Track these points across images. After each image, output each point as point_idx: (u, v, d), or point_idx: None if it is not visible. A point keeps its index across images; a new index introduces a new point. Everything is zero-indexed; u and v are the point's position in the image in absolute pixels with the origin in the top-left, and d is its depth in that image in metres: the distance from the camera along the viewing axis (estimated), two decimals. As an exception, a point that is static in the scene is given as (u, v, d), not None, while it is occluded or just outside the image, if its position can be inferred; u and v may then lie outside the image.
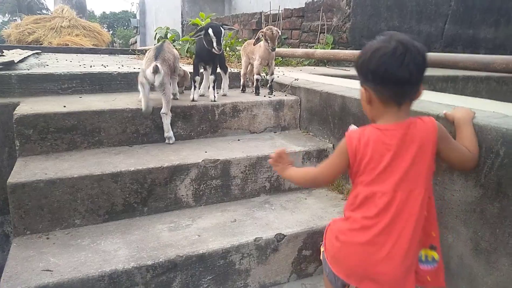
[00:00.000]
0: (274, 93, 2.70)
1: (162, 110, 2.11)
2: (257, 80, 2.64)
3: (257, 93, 2.64)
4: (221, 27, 2.20)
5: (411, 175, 1.17)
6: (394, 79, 1.13)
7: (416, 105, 1.71)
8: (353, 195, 1.25)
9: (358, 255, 1.21)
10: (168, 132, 2.17)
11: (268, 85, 2.70)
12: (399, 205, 1.17)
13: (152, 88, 2.08)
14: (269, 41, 2.43)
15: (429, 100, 1.84)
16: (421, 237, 1.24)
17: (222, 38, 2.19)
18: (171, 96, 2.20)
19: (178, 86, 2.66)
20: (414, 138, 1.18)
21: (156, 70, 1.98)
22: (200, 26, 2.44)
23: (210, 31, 2.15)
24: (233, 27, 2.51)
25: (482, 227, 1.39)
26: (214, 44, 2.16)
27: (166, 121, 2.14)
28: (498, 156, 1.33)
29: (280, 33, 2.52)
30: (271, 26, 2.50)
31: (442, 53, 4.20)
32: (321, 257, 1.45)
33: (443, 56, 2.60)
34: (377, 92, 1.19)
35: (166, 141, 2.19)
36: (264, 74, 3.07)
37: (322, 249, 1.45)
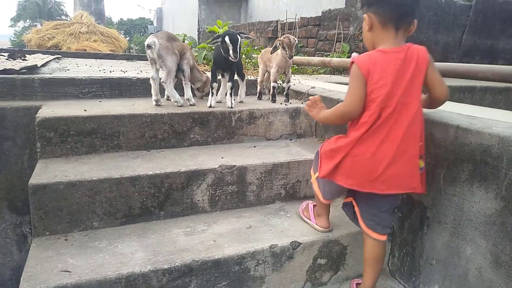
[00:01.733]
0: (290, 100, 2.71)
1: (162, 79, 2.33)
2: (273, 87, 2.65)
3: (273, 100, 2.66)
4: (238, 35, 2.21)
5: (409, 90, 1.40)
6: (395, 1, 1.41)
7: (436, 115, 1.71)
8: (368, 114, 1.42)
9: (369, 164, 1.42)
10: (174, 97, 2.38)
11: (285, 93, 2.71)
12: (398, 116, 1.40)
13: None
14: (286, 49, 2.44)
15: (450, 111, 1.82)
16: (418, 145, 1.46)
17: (238, 46, 2.21)
18: (173, 69, 2.35)
19: (199, 91, 2.70)
20: (412, 58, 1.41)
21: (151, 44, 2.22)
22: (217, 34, 2.46)
23: (227, 39, 2.17)
24: (249, 36, 2.53)
25: (503, 240, 1.37)
26: (231, 52, 2.18)
27: (168, 88, 2.37)
28: (520, 168, 1.31)
29: (297, 41, 2.53)
30: (288, 35, 2.51)
31: (459, 63, 4.17)
32: (313, 184, 1.73)
33: (462, 67, 2.58)
34: (379, 16, 1.44)
35: (177, 104, 2.38)
36: (281, 82, 3.09)
37: (315, 174, 1.69)
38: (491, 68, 2.29)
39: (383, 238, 1.58)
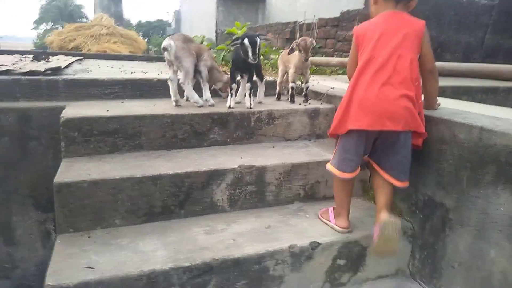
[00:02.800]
0: (309, 101, 2.70)
1: (180, 80, 2.37)
2: (292, 88, 2.65)
3: (292, 101, 2.66)
4: (257, 37, 2.21)
5: (402, 46, 1.63)
6: None
7: (459, 116, 1.69)
8: (359, 66, 1.69)
9: (376, 105, 1.59)
10: (194, 98, 2.41)
11: (303, 93, 2.71)
12: (393, 64, 1.61)
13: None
14: (302, 52, 2.44)
15: (473, 112, 1.80)
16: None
17: (258, 48, 2.21)
18: (190, 70, 2.37)
19: (222, 91, 2.71)
20: (407, 24, 1.67)
21: (166, 46, 2.25)
22: (236, 35, 2.47)
23: (246, 41, 2.17)
24: (268, 37, 2.53)
25: (529, 243, 1.34)
26: (250, 54, 2.18)
27: (187, 89, 2.40)
28: (547, 170, 1.28)
29: (314, 44, 2.52)
30: (305, 37, 2.50)
31: (482, 63, 4.09)
32: (329, 168, 1.81)
33: (485, 67, 2.53)
34: None
35: (196, 105, 2.40)
36: (299, 82, 3.09)
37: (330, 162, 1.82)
38: (516, 68, 2.25)
39: (406, 184, 1.72)
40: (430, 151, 1.76)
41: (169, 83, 2.41)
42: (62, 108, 2.23)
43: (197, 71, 2.49)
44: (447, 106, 1.98)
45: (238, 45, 2.25)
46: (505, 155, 1.42)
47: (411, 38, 1.65)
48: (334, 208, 1.89)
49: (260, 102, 2.63)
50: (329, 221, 1.85)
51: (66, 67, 3.07)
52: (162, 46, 2.29)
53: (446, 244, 1.69)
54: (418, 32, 1.66)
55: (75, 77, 2.56)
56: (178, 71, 2.38)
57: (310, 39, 2.49)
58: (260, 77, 2.66)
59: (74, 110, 2.14)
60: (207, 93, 2.52)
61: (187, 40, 2.42)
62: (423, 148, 1.78)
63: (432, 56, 1.73)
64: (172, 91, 2.42)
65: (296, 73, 2.63)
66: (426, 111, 1.81)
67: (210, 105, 2.48)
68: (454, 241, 1.65)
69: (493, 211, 1.47)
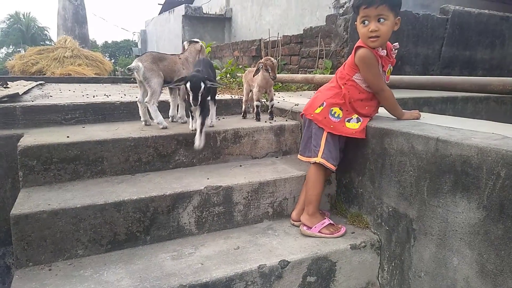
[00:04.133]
0: (274, 118, 2.73)
1: (146, 100, 2.36)
2: (257, 106, 2.68)
3: (257, 119, 2.67)
4: (201, 82, 2.02)
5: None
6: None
7: (417, 128, 1.74)
8: None
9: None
10: (157, 118, 2.38)
11: (269, 111, 2.74)
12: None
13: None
14: (270, 71, 2.47)
15: (430, 123, 1.86)
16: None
17: (201, 93, 2.02)
18: (157, 90, 2.38)
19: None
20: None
21: (135, 68, 2.28)
22: (182, 77, 2.19)
23: (188, 85, 2.01)
24: (217, 83, 2.34)
25: (487, 249, 1.38)
26: (190, 99, 2.03)
27: (151, 109, 2.37)
28: (499, 178, 1.34)
29: (278, 61, 2.56)
30: (269, 57, 2.56)
31: (440, 76, 4.26)
32: (324, 163, 1.93)
33: (441, 79, 2.63)
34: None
35: (160, 126, 2.37)
36: (265, 100, 3.11)
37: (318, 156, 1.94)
38: (469, 80, 2.35)
39: (335, 168, 1.95)
40: (392, 164, 1.80)
41: (139, 104, 2.45)
42: (20, 136, 2.16)
43: (173, 88, 2.55)
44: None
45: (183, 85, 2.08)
46: (460, 165, 1.47)
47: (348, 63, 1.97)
48: (329, 224, 1.95)
49: (212, 126, 2.49)
50: (338, 232, 1.94)
51: (25, 93, 2.98)
52: (130, 67, 2.30)
53: (412, 255, 1.72)
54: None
55: (34, 103, 2.49)
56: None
57: (273, 58, 2.54)
58: (214, 101, 2.58)
59: (32, 137, 2.07)
60: (181, 111, 2.61)
61: (156, 59, 2.42)
62: (385, 161, 1.83)
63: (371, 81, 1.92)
64: (141, 112, 2.45)
65: (260, 92, 2.65)
66: (386, 124, 1.87)
67: (183, 122, 2.57)
68: (419, 251, 1.68)
69: (453, 220, 1.51)
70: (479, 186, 1.41)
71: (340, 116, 1.94)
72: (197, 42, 2.76)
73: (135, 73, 2.31)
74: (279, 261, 1.69)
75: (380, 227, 1.91)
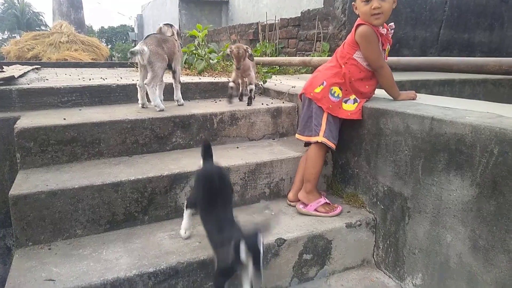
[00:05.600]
0: (272, 100, 2.73)
1: (146, 81, 2.31)
2: (230, 87, 2.62)
3: (229, 101, 2.60)
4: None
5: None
6: None
7: (412, 108, 1.75)
8: None
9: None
10: (155, 101, 2.34)
11: (248, 97, 2.63)
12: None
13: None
14: (234, 60, 2.43)
15: (426, 103, 1.87)
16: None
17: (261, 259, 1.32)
18: (160, 74, 2.36)
19: None
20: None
21: (140, 51, 2.21)
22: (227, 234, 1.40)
23: (243, 248, 1.26)
24: None
25: (480, 225, 1.41)
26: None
27: (150, 91, 2.32)
28: (493, 155, 1.35)
29: (249, 52, 2.52)
30: (239, 45, 2.48)
31: (435, 57, 4.24)
32: (325, 143, 1.96)
33: (437, 60, 2.63)
34: None
35: (157, 109, 2.34)
36: (262, 83, 3.12)
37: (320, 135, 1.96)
38: (465, 60, 2.34)
39: (335, 147, 1.98)
40: (387, 143, 1.82)
41: (138, 88, 2.43)
42: (17, 118, 2.16)
43: (171, 71, 2.54)
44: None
45: None
46: (455, 143, 1.48)
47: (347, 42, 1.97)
48: (325, 203, 1.98)
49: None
50: (333, 211, 1.96)
51: (21, 76, 2.97)
52: (133, 50, 2.23)
53: (406, 232, 1.75)
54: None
55: (30, 86, 2.48)
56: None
57: (246, 46, 2.47)
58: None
59: (29, 120, 2.07)
60: (178, 94, 2.59)
61: (161, 42, 2.38)
62: (381, 141, 1.84)
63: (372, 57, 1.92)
64: (140, 95, 2.44)
65: (236, 75, 2.63)
66: (382, 105, 1.87)
67: (179, 105, 2.56)
68: (413, 228, 1.71)
69: (447, 197, 1.53)
70: (473, 164, 1.42)
71: (340, 96, 1.94)
72: (173, 25, 2.72)
73: (138, 56, 2.25)
74: (275, 239, 1.71)
75: (376, 206, 1.93)
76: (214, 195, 1.49)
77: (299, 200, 2.02)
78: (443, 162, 1.54)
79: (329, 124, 1.95)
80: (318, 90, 1.95)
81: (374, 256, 1.96)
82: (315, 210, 1.94)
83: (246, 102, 2.62)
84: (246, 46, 2.51)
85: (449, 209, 1.52)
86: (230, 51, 2.47)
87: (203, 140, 1.71)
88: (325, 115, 1.95)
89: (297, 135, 2.11)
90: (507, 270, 1.33)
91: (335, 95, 1.94)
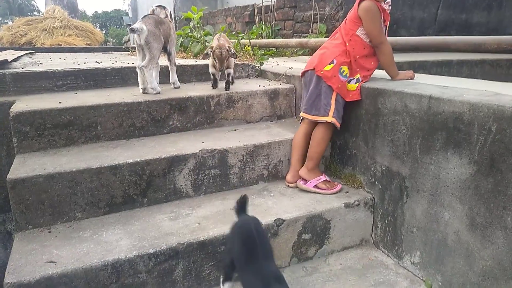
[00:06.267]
0: (269, 82, 2.71)
1: (143, 64, 2.29)
2: (212, 73, 2.50)
3: (214, 86, 2.50)
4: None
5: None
6: None
7: (410, 87, 1.74)
8: None
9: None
10: (152, 83, 2.31)
11: (226, 81, 2.45)
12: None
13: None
14: (216, 61, 2.34)
15: (424, 83, 1.86)
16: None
17: None
18: (156, 56, 2.32)
19: None
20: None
21: (138, 29, 2.18)
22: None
23: None
24: None
25: (477, 203, 1.42)
26: None
27: (147, 74, 2.30)
28: (490, 133, 1.35)
29: (232, 51, 2.35)
30: (221, 44, 2.33)
31: (432, 36, 4.21)
32: (333, 122, 1.97)
33: (435, 39, 2.61)
34: None
35: (153, 92, 2.32)
36: (259, 65, 3.09)
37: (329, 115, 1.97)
38: (463, 39, 2.33)
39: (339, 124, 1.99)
40: (385, 123, 1.81)
41: (138, 71, 2.36)
42: (12, 103, 2.14)
43: (167, 53, 2.51)
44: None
45: None
46: (452, 121, 1.48)
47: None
48: (325, 181, 2.00)
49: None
50: (335, 187, 2.00)
51: (14, 60, 2.93)
52: (133, 27, 2.20)
53: (404, 211, 1.76)
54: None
55: (24, 70, 2.45)
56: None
57: (228, 46, 2.34)
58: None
59: (24, 104, 2.05)
60: (174, 76, 2.58)
61: (158, 23, 2.36)
62: (379, 121, 1.84)
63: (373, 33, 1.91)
64: (140, 79, 2.37)
65: (213, 67, 2.46)
66: (380, 84, 1.87)
67: (175, 88, 2.54)
68: (411, 207, 1.72)
69: (445, 176, 1.54)
70: (471, 142, 1.42)
71: (348, 75, 1.95)
72: (166, 7, 2.66)
73: (135, 36, 2.23)
74: (274, 220, 1.72)
75: (374, 186, 1.94)
76: (254, 246, 1.35)
77: (298, 180, 2.03)
78: (441, 140, 1.54)
79: (337, 104, 1.95)
80: (328, 68, 1.93)
81: (373, 236, 1.98)
82: (316, 186, 1.96)
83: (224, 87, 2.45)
84: (228, 45, 2.37)
85: (447, 187, 1.53)
86: (212, 52, 2.34)
87: (242, 196, 1.56)
88: (334, 95, 1.94)
89: (302, 113, 2.08)
90: (504, 246, 1.34)
91: (344, 74, 1.94)
